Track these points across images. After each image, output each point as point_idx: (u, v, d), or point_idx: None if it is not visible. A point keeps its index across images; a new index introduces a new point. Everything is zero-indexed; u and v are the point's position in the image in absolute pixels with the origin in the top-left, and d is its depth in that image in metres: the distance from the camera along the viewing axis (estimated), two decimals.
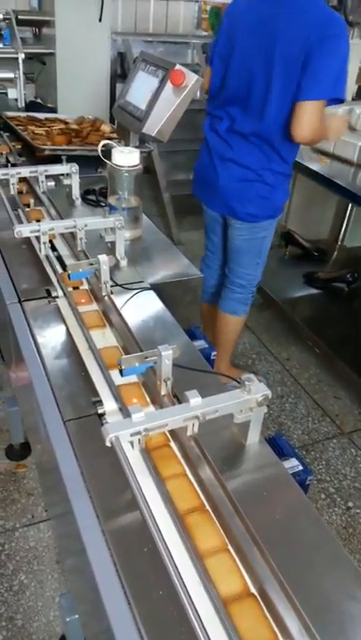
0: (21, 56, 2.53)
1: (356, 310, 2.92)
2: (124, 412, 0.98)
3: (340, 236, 3.51)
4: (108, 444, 0.79)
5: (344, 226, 3.48)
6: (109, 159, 1.53)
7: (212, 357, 1.30)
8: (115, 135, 2.21)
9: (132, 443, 0.81)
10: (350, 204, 3.34)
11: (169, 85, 1.64)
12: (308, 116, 1.81)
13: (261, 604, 0.73)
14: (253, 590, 0.74)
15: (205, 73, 2.15)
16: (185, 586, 0.71)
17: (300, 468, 0.99)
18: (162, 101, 1.66)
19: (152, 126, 1.68)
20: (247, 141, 1.98)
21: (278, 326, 3.06)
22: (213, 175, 2.09)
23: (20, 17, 2.74)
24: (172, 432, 0.94)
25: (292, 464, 0.99)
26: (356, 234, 3.53)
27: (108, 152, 1.57)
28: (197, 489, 0.86)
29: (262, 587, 0.74)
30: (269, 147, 1.96)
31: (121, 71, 4.14)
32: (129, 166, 1.49)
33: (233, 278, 2.33)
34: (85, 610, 1.02)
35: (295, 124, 1.83)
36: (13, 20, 2.63)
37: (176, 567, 0.73)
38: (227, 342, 2.42)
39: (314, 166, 2.47)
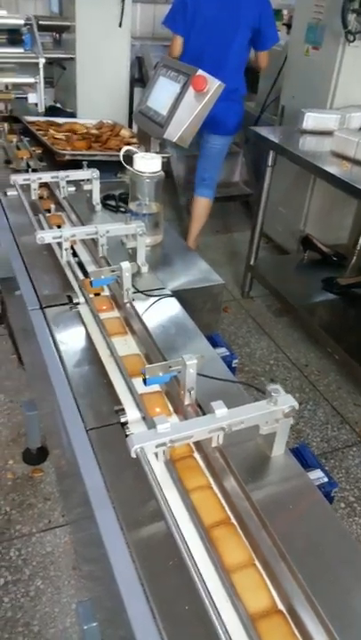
0: (42, 61, 2.54)
1: None
2: (148, 421, 0.97)
3: (360, 241, 3.47)
4: (133, 455, 0.78)
5: None
6: (130, 165, 1.53)
7: (233, 365, 1.29)
8: (134, 140, 2.21)
9: (156, 454, 0.80)
10: None
11: (190, 91, 1.63)
12: (266, 58, 3.10)
13: (290, 621, 0.71)
14: (281, 607, 0.73)
15: (176, 41, 2.99)
16: (213, 601, 0.70)
17: (325, 479, 0.98)
18: (183, 107, 1.65)
19: (173, 132, 1.67)
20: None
21: (296, 332, 3.04)
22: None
23: (40, 22, 2.75)
24: (196, 443, 0.93)
25: (317, 475, 0.97)
26: None
27: (128, 157, 1.56)
28: (223, 502, 0.85)
29: (290, 603, 0.72)
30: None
31: (139, 76, 4.15)
32: (150, 172, 1.48)
33: None
34: (105, 617, 1.01)
35: (261, 64, 3.12)
36: (35, 26, 2.65)
37: (203, 582, 0.72)
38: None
39: (334, 170, 2.44)
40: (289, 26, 3.60)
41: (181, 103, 1.65)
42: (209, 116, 2.68)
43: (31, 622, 1.67)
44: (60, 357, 1.13)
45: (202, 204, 3.37)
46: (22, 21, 2.65)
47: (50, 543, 1.88)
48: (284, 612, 0.72)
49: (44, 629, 1.65)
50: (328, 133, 2.78)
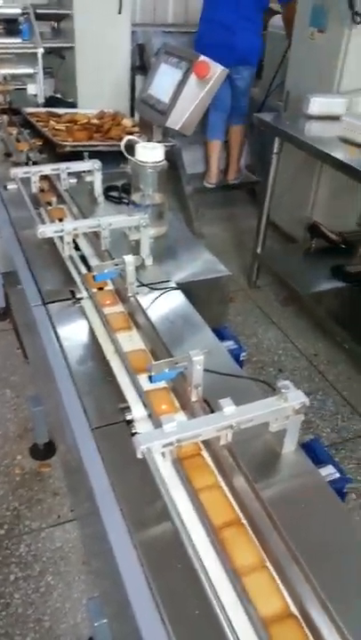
0: (40, 51, 2.50)
1: None
2: (154, 419, 0.95)
3: None
4: (139, 455, 0.76)
5: None
6: (133, 155, 1.50)
7: (241, 358, 1.26)
8: (136, 129, 2.17)
9: (163, 453, 0.78)
10: None
11: (193, 77, 1.59)
12: (294, 9, 3.25)
13: (303, 625, 0.69)
14: (294, 610, 0.70)
15: None
16: (223, 606, 0.68)
17: (338, 475, 0.95)
18: (186, 94, 1.61)
19: (176, 120, 1.63)
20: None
21: (304, 322, 3.00)
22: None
23: (38, 11, 2.70)
24: (203, 440, 0.90)
25: (329, 471, 0.95)
26: None
27: (130, 147, 1.53)
28: (232, 501, 0.82)
29: (304, 607, 0.70)
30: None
31: (140, 63, 4.08)
32: (153, 162, 1.45)
33: None
34: (115, 612, 0.99)
35: (289, 15, 3.37)
36: (32, 15, 2.60)
37: (213, 586, 0.69)
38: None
39: (342, 156, 2.39)
40: None
41: (184, 90, 1.61)
42: (238, 49, 3.48)
43: (42, 618, 1.66)
44: (64, 354, 1.11)
45: (237, 131, 4.03)
46: (19, 10, 2.60)
47: (59, 538, 1.87)
48: (298, 616, 0.70)
49: (55, 625, 1.65)
50: (335, 118, 2.72)
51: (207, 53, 3.13)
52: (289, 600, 0.71)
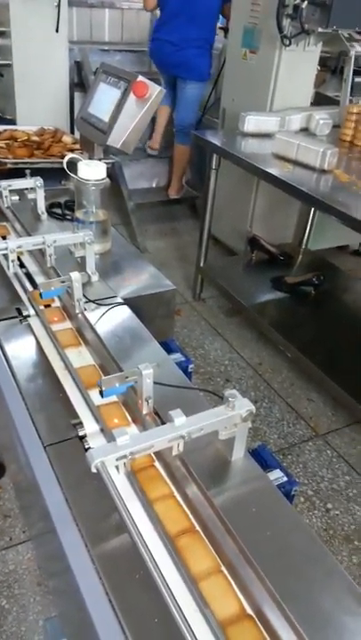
0: None
1: (324, 312, 2.95)
2: (106, 433, 0.96)
3: (305, 240, 3.55)
4: (93, 470, 0.77)
5: (308, 229, 3.52)
6: (75, 172, 1.51)
7: (189, 370, 1.29)
8: (77, 146, 2.18)
9: (117, 467, 0.79)
10: (313, 208, 3.38)
11: (132, 97, 1.62)
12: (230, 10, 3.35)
13: (259, 624, 0.72)
14: (250, 611, 0.73)
15: None
16: (182, 612, 0.70)
17: (285, 479, 0.99)
18: (125, 113, 1.64)
19: (116, 138, 1.66)
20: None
21: (248, 332, 3.08)
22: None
23: None
24: (156, 452, 0.92)
25: (277, 475, 0.99)
26: (320, 237, 3.57)
27: (72, 165, 1.54)
28: (186, 510, 0.85)
29: (259, 607, 0.73)
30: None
31: (78, 80, 4.11)
32: (96, 180, 1.47)
33: None
34: (74, 632, 0.99)
35: (227, 15, 3.40)
36: None
37: (171, 593, 0.71)
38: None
39: (276, 172, 2.49)
40: (226, 30, 3.65)
41: (123, 109, 1.64)
42: (182, 63, 3.67)
43: None
44: (13, 373, 1.10)
45: (181, 151, 4.05)
46: None
47: (12, 561, 1.83)
48: (254, 616, 0.72)
49: None
50: (269, 136, 2.82)
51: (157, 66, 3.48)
52: (245, 601, 0.74)
